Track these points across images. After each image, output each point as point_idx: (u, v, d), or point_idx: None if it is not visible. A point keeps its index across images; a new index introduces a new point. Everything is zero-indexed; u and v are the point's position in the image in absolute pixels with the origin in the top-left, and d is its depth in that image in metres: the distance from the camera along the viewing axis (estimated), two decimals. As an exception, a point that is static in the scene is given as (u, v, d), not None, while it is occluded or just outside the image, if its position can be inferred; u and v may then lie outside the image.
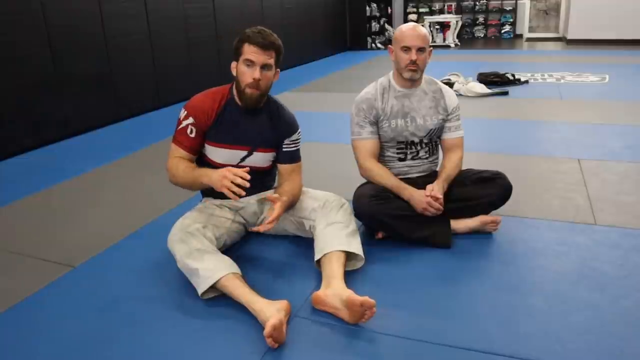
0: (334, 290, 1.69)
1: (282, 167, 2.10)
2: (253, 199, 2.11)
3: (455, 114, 2.26)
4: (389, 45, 2.22)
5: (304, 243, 2.13)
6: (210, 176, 1.86)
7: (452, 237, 2.14)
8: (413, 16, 11.87)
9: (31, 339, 1.65)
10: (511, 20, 11.61)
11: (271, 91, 2.03)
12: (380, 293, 1.76)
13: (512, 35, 11.60)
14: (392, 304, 1.74)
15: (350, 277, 1.86)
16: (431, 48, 2.18)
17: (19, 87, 3.79)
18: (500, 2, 11.57)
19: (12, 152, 3.75)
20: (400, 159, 2.26)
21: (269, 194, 2.08)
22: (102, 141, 4.19)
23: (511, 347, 1.52)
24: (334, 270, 1.77)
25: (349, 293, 1.64)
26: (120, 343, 1.61)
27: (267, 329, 1.50)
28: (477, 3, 11.65)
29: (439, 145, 2.33)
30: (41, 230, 2.49)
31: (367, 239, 2.16)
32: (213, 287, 1.75)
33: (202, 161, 2.05)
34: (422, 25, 2.47)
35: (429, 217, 2.08)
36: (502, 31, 11.68)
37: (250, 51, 1.87)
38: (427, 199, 2.04)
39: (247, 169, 1.82)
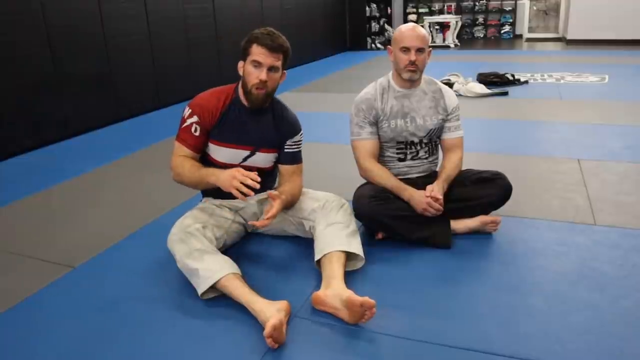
0: (334, 291, 1.69)
1: (283, 168, 2.10)
2: (253, 200, 2.11)
3: (455, 114, 2.26)
4: (388, 46, 2.22)
5: (304, 243, 2.13)
6: (218, 176, 1.87)
7: (452, 238, 2.14)
8: (413, 16, 11.88)
9: (31, 339, 1.65)
10: (511, 20, 11.62)
11: (272, 92, 2.04)
12: (380, 293, 1.76)
13: (511, 36, 11.61)
14: (392, 304, 1.74)
15: (350, 277, 1.86)
16: (430, 49, 2.18)
17: (18, 87, 3.79)
18: (499, 2, 11.58)
19: (12, 152, 3.75)
20: (400, 159, 2.26)
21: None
22: (102, 141, 4.19)
23: (511, 347, 1.52)
24: (334, 271, 1.78)
25: (349, 293, 1.64)
26: (120, 343, 1.61)
27: (267, 329, 1.50)
28: (477, 3, 11.65)
29: (439, 146, 2.33)
30: (41, 231, 2.49)
31: (367, 239, 2.16)
32: (213, 288, 1.75)
33: (204, 160, 2.05)
34: (422, 26, 2.47)
35: (429, 218, 2.08)
36: (502, 31, 11.69)
37: (258, 52, 1.88)
38: (427, 199, 2.04)
39: (256, 171, 1.84)
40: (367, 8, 10.33)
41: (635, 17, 9.26)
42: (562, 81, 6.04)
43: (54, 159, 3.72)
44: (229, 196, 1.93)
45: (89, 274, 2.06)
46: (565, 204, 2.54)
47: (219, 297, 1.78)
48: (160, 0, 5.16)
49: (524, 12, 11.48)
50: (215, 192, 2.08)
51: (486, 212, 2.22)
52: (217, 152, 2.03)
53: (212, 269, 1.75)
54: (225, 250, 2.02)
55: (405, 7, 12.11)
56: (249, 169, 2.03)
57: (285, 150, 2.08)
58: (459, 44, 10.86)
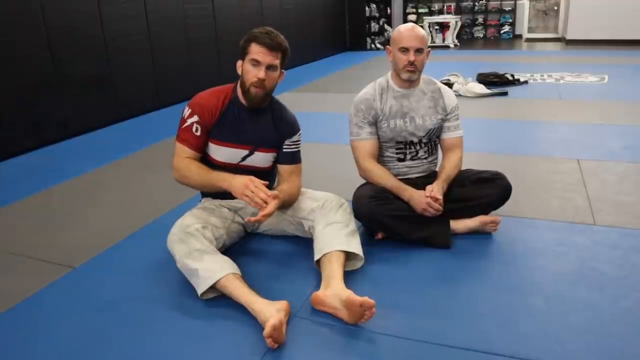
0: (334, 291, 1.69)
1: (282, 168, 2.10)
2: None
3: (454, 114, 2.26)
4: (387, 46, 2.22)
5: (304, 243, 2.13)
6: (231, 182, 1.88)
7: (451, 238, 2.14)
8: (412, 17, 11.88)
9: (31, 339, 1.65)
10: (510, 20, 11.62)
11: (271, 92, 2.04)
12: (380, 293, 1.76)
13: (511, 36, 11.61)
14: (392, 304, 1.74)
15: (349, 277, 1.86)
16: (429, 49, 2.18)
17: (18, 87, 3.79)
18: (499, 2, 11.59)
19: (12, 152, 3.76)
20: (400, 159, 2.26)
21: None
22: (102, 142, 4.19)
23: (511, 347, 1.52)
24: (333, 271, 1.78)
25: (348, 293, 1.64)
26: (120, 343, 1.61)
27: (267, 329, 1.50)
28: (477, 3, 11.66)
29: (438, 146, 2.33)
30: (41, 231, 2.49)
31: (367, 239, 2.16)
32: (213, 288, 1.76)
33: (204, 160, 2.05)
34: (421, 26, 2.48)
35: (429, 218, 2.08)
36: (502, 31, 11.69)
37: (256, 51, 1.88)
38: (426, 199, 2.04)
39: (267, 182, 1.87)
40: (367, 8, 10.33)
41: (635, 17, 9.27)
42: (561, 81, 6.04)
43: (54, 159, 3.72)
44: (229, 196, 1.93)
45: (89, 274, 2.06)
46: (565, 204, 2.54)
47: (218, 298, 1.78)
48: (160, 1, 5.16)
49: (524, 12, 11.48)
50: (215, 193, 2.08)
51: (486, 212, 2.22)
52: (216, 151, 2.03)
53: (211, 269, 1.75)
54: (225, 250, 2.02)
55: (404, 8, 12.12)
56: (248, 168, 2.03)
57: (284, 150, 2.09)
58: (458, 44, 10.86)
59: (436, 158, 2.34)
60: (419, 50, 2.10)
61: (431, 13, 11.83)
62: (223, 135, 2.01)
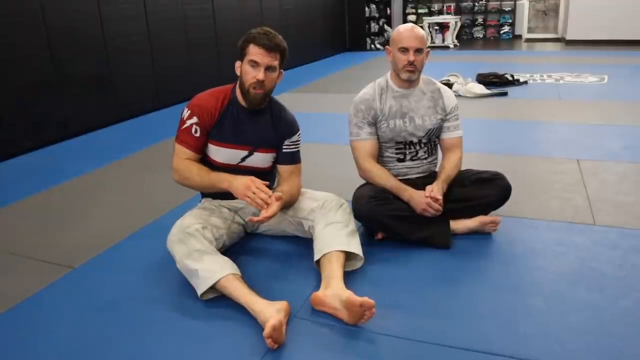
0: (334, 291, 1.69)
1: (282, 168, 2.10)
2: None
3: (453, 114, 2.26)
4: (387, 46, 2.23)
5: (304, 243, 2.13)
6: (232, 182, 1.88)
7: (451, 238, 2.14)
8: (412, 17, 11.88)
9: (31, 339, 1.65)
10: (510, 20, 11.62)
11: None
12: (380, 293, 1.76)
13: (511, 36, 11.61)
14: (392, 305, 1.74)
15: (349, 277, 1.86)
16: (429, 49, 2.18)
17: (18, 88, 3.79)
18: (499, 2, 11.59)
19: (12, 153, 3.76)
20: (399, 160, 2.26)
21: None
22: (102, 142, 4.19)
23: (510, 347, 1.52)
24: (333, 271, 1.78)
25: (348, 293, 1.64)
26: (120, 344, 1.61)
27: (267, 330, 1.51)
28: (476, 4, 11.66)
29: (438, 146, 2.33)
30: (41, 231, 2.49)
31: (367, 239, 2.17)
32: (213, 288, 1.76)
33: (203, 160, 2.05)
34: (421, 26, 2.48)
35: (429, 218, 2.08)
36: (501, 32, 11.69)
37: (255, 52, 1.88)
38: (426, 199, 2.04)
39: (268, 182, 1.88)
40: (367, 9, 10.33)
41: (634, 17, 9.27)
42: (561, 81, 6.05)
43: (54, 160, 3.73)
44: (229, 196, 1.94)
45: (89, 274, 2.06)
46: (565, 204, 2.54)
47: (218, 298, 1.78)
48: (159, 1, 5.16)
49: (523, 12, 11.48)
50: (215, 193, 2.08)
51: (485, 213, 2.22)
52: (216, 152, 2.03)
53: (211, 269, 1.75)
54: (225, 250, 2.02)
55: (404, 8, 12.12)
56: (248, 169, 2.04)
57: (284, 150, 2.09)
58: (458, 44, 10.86)
59: (436, 158, 2.35)
60: (418, 50, 2.10)
61: (431, 13, 11.83)
62: (222, 136, 2.01)
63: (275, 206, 1.85)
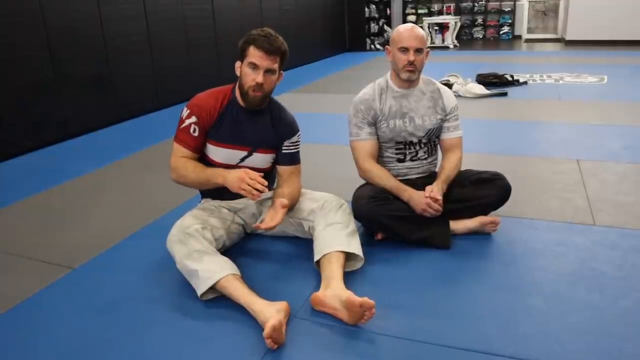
0: (334, 291, 1.69)
1: (282, 169, 2.10)
2: (252, 200, 2.11)
3: (453, 114, 2.26)
4: (387, 46, 2.23)
5: (304, 243, 2.13)
6: (226, 177, 1.88)
7: (451, 238, 2.14)
8: (412, 17, 11.89)
9: (31, 339, 1.65)
10: (510, 21, 11.62)
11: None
12: (380, 294, 1.76)
13: (510, 36, 11.62)
14: (392, 305, 1.74)
15: (349, 277, 1.86)
16: (428, 49, 2.18)
17: (18, 88, 3.79)
18: (499, 3, 11.59)
19: (12, 153, 3.76)
20: (399, 160, 2.26)
21: (267, 195, 2.09)
22: (102, 142, 4.19)
23: (510, 347, 1.52)
24: (333, 271, 1.78)
25: (348, 294, 1.64)
26: (120, 344, 1.61)
27: (267, 330, 1.51)
28: (476, 4, 11.66)
29: (438, 146, 2.33)
30: (41, 232, 2.49)
31: (367, 239, 2.17)
32: (212, 288, 1.76)
33: (202, 160, 2.05)
34: (421, 27, 2.48)
35: (428, 218, 2.08)
36: (501, 32, 11.69)
37: (255, 55, 1.88)
38: (426, 200, 2.04)
39: (262, 173, 1.87)
40: (366, 9, 10.34)
41: (634, 17, 9.28)
42: (561, 82, 6.05)
43: (54, 160, 3.73)
44: (228, 197, 1.94)
45: (89, 274, 2.06)
46: (565, 204, 2.54)
47: (218, 298, 1.78)
48: (159, 1, 5.17)
49: (523, 12, 11.49)
50: (215, 193, 2.09)
51: (485, 213, 2.22)
52: (215, 152, 2.03)
53: (211, 269, 1.75)
54: (225, 251, 2.02)
55: (404, 8, 12.12)
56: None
57: (283, 151, 2.09)
58: (458, 44, 10.87)
59: (436, 159, 2.35)
60: (418, 50, 2.10)
61: (430, 14, 11.83)
62: (221, 136, 2.01)
63: (280, 214, 1.86)
